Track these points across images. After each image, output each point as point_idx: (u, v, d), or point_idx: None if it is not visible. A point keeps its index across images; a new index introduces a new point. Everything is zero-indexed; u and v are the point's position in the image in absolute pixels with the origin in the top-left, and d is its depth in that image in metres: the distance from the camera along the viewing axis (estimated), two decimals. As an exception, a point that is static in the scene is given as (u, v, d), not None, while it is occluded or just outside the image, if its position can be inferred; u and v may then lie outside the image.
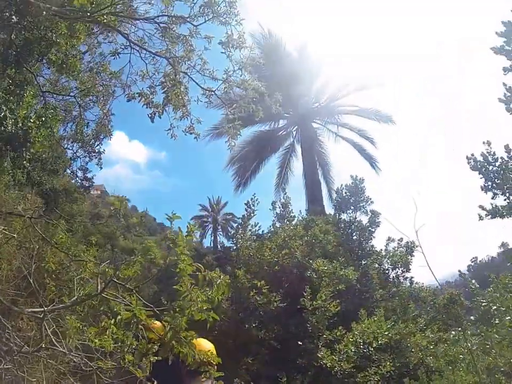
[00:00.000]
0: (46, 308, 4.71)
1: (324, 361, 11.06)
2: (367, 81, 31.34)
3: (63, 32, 9.14)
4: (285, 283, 14.18)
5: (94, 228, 50.09)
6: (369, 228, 17.37)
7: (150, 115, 9.88)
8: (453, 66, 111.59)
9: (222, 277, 4.47)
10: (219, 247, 35.98)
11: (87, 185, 22.04)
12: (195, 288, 4.44)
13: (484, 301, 9.63)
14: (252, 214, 16.56)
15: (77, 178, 21.20)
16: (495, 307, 8.30)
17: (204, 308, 4.39)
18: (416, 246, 15.84)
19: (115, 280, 5.28)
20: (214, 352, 4.89)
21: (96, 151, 17.88)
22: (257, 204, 16.83)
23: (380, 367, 11.32)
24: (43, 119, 11.19)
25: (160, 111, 9.77)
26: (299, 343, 12.17)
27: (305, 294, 12.38)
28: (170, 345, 4.34)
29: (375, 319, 12.02)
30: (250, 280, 13.31)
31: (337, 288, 13.08)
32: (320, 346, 11.61)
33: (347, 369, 10.91)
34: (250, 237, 15.85)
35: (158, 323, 5.29)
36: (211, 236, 68.85)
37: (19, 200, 11.09)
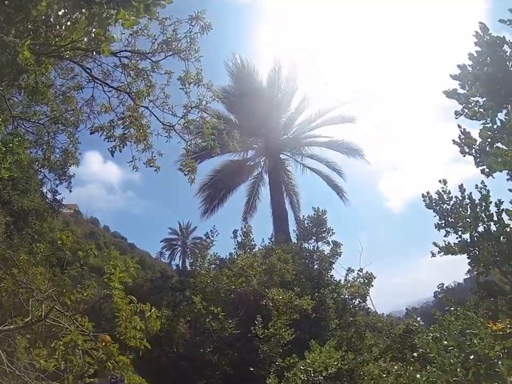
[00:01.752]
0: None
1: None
2: (337, 115, 31.41)
3: (29, 63, 9.21)
4: (240, 310, 14.27)
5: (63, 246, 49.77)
6: (330, 259, 17.57)
7: (110, 149, 10.01)
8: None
9: (152, 310, 4.74)
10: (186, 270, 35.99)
11: (56, 206, 22.28)
12: (134, 317, 4.71)
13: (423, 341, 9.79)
14: (210, 245, 16.86)
15: (47, 200, 22.14)
16: (428, 349, 8.42)
17: (137, 336, 4.67)
18: (374, 278, 16.20)
19: (56, 308, 5.48)
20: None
21: (67, 175, 18.23)
22: (217, 235, 17.18)
23: (331, 395, 11.36)
24: (10, 145, 11.24)
25: (121, 146, 9.93)
26: (251, 369, 12.09)
27: (257, 323, 12.48)
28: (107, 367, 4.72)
29: (327, 348, 12.07)
30: (207, 306, 13.29)
31: (292, 317, 13.15)
32: (271, 373, 11.58)
33: (295, 397, 10.94)
34: (208, 266, 15.98)
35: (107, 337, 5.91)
36: (180, 259, 69.08)
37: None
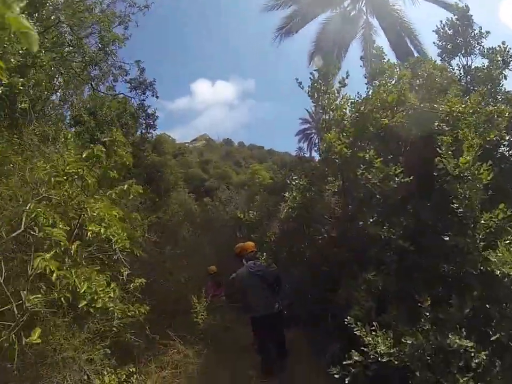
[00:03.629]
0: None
1: (500, 268, 5.59)
2: None
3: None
4: (403, 148, 7.86)
5: (205, 172, 53.13)
6: (497, 70, 10.91)
7: None
8: None
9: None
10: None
11: (152, 122, 21.63)
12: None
13: None
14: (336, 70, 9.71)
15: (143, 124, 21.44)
16: None
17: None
18: None
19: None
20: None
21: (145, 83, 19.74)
22: (347, 77, 10.04)
23: None
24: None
25: None
26: (444, 238, 6.37)
27: (441, 151, 6.38)
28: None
29: None
30: (350, 145, 7.48)
31: (488, 139, 7.00)
32: (478, 241, 6.08)
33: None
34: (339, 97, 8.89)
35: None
36: (318, 145, 63.57)
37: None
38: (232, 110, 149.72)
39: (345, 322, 6.00)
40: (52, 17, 13.65)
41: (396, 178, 6.80)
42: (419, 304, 5.90)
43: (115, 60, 18.19)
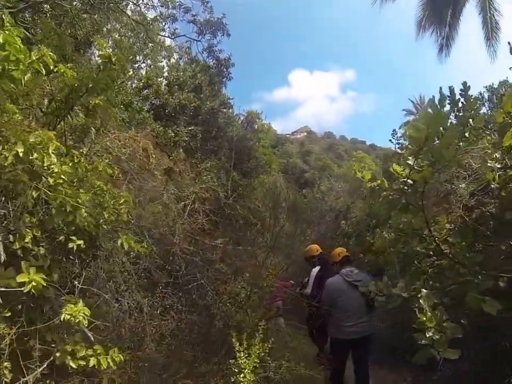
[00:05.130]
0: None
1: None
2: None
3: None
4: None
5: (306, 163, 52.54)
6: None
7: None
8: None
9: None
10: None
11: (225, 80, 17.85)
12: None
13: None
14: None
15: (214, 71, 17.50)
16: None
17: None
18: None
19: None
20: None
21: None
22: None
23: None
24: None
25: None
26: None
27: None
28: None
29: None
30: None
31: None
32: None
33: None
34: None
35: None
36: None
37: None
38: (333, 102, 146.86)
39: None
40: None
41: None
42: None
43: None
